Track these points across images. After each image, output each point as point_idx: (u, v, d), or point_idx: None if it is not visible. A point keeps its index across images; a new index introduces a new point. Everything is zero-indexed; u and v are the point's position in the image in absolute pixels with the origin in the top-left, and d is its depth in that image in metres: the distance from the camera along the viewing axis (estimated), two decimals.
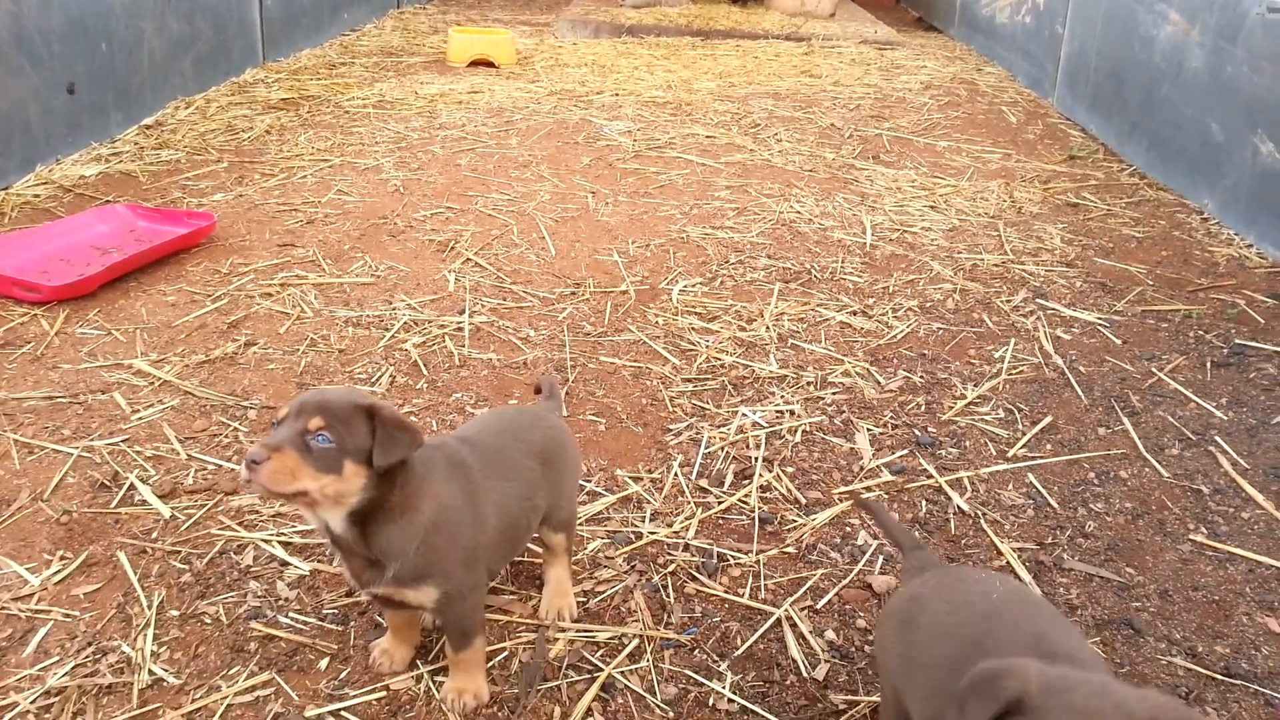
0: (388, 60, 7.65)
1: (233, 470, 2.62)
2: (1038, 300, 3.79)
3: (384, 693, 1.96)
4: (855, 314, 3.65)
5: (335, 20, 8.46)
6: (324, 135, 5.52)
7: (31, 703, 1.90)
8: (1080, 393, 3.14)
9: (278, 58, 7.25)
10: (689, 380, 3.15)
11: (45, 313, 3.40)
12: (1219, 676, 2.05)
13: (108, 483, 2.54)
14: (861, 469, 2.72)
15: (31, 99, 4.68)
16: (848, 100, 6.89)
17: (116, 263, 3.63)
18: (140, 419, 2.82)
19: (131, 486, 2.53)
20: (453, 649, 1.90)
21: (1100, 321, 3.63)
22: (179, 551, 2.32)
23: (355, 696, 1.94)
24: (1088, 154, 5.78)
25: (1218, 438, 2.89)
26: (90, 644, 2.05)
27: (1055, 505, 2.58)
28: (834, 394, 3.11)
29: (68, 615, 2.12)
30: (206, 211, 4.15)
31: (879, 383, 3.18)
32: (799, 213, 4.64)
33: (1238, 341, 3.49)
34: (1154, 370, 3.28)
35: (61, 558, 2.28)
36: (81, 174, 4.77)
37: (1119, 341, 3.49)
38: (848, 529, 2.48)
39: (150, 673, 1.98)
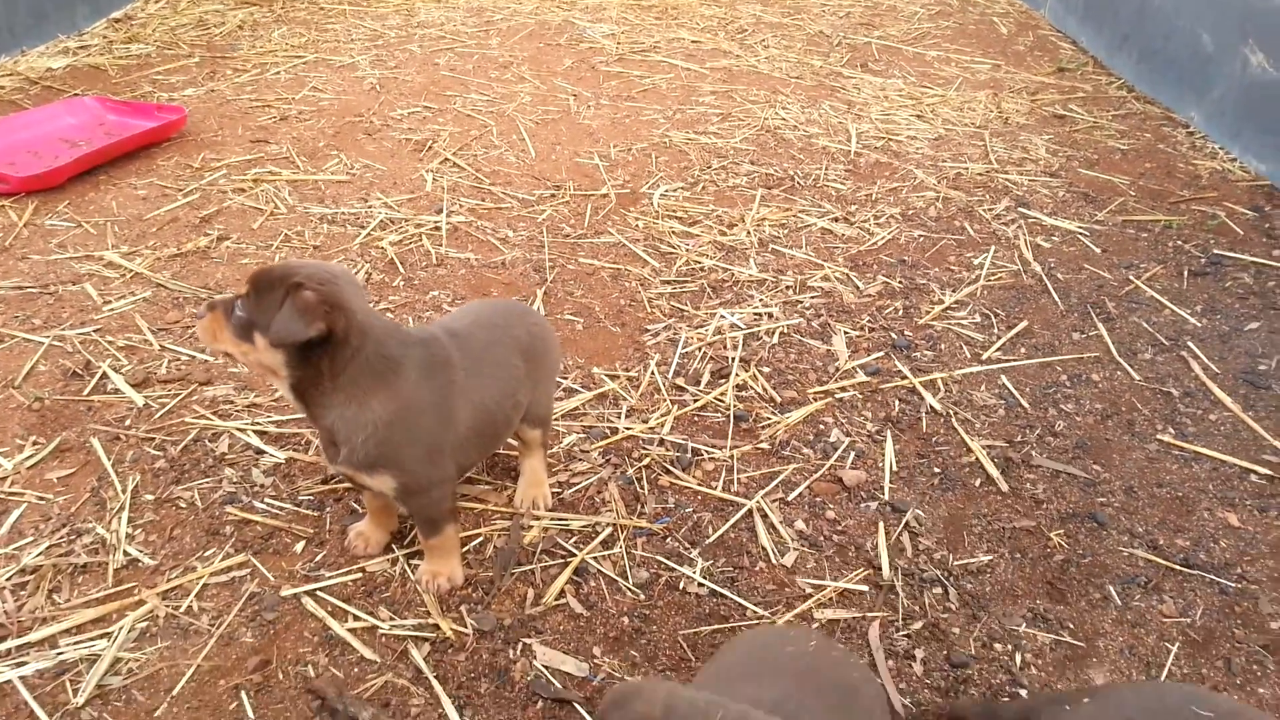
0: None
1: (206, 360, 2.60)
2: (1020, 209, 3.77)
3: (359, 574, 1.98)
4: (837, 220, 3.63)
5: None
6: (298, 31, 5.37)
7: (7, 579, 1.92)
8: (1057, 299, 3.15)
9: None
10: (668, 282, 3.13)
11: (13, 204, 3.34)
12: (1177, 567, 2.10)
13: (80, 371, 2.52)
14: (837, 370, 2.73)
15: None
16: (837, 7, 6.74)
17: (85, 154, 3.54)
18: (112, 310, 2.79)
19: (104, 375, 2.51)
20: (423, 536, 1.92)
21: (1080, 230, 3.62)
22: (153, 439, 2.31)
23: (331, 578, 1.96)
24: (1077, 66, 5.70)
25: (1190, 343, 2.91)
26: (64, 525, 2.05)
27: (1026, 406, 2.61)
28: (813, 298, 3.10)
29: (41, 498, 2.12)
30: (177, 105, 4.04)
31: (858, 288, 3.18)
32: (784, 119, 4.57)
33: (1216, 251, 3.50)
34: (1131, 278, 3.29)
35: (34, 443, 2.28)
36: (48, 66, 4.63)
37: (1098, 250, 3.49)
38: (821, 426, 2.50)
39: (125, 553, 2.00)
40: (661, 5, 6.46)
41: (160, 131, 3.86)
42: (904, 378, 2.71)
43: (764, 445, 2.42)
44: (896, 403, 2.60)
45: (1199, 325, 3.02)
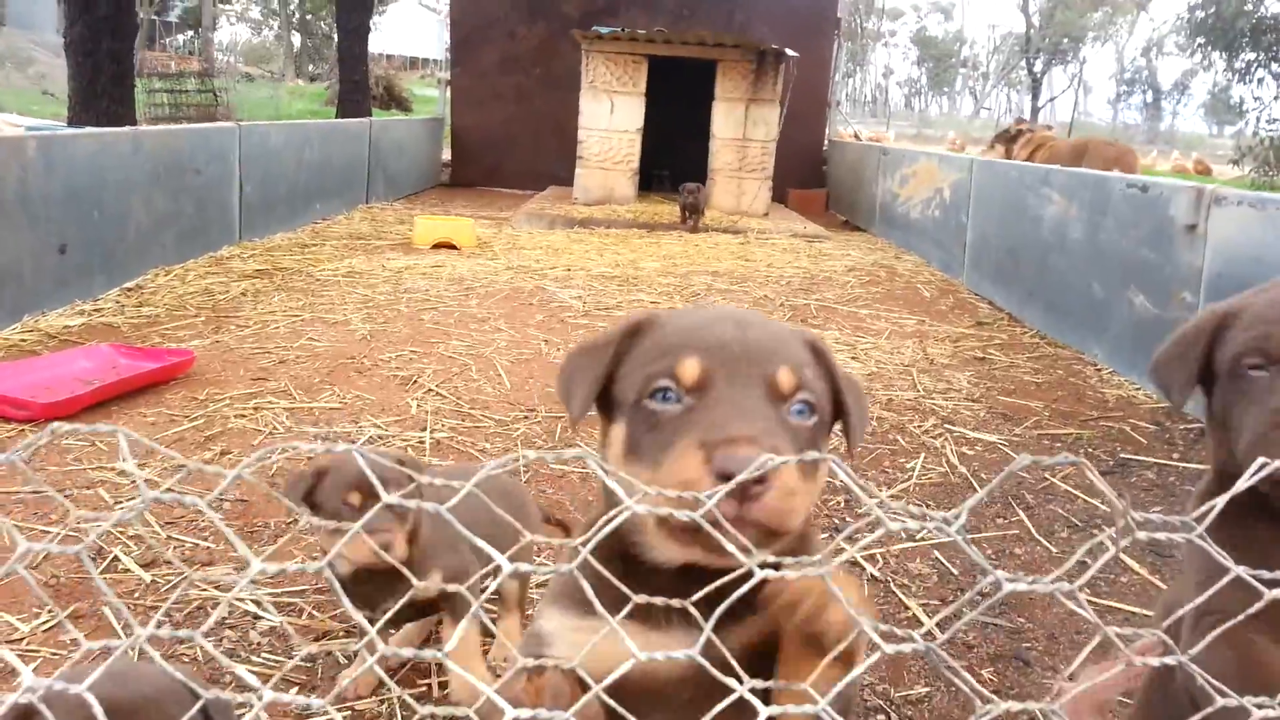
0: (356, 243, 8.23)
1: (209, 546, 2.84)
2: (945, 425, 4.21)
3: (349, 711, 2.15)
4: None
5: (308, 209, 9.11)
6: (296, 297, 5.96)
7: None
8: (980, 491, 3.50)
9: (253, 238, 7.79)
10: None
11: (33, 428, 3.65)
12: None
13: (93, 555, 2.74)
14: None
15: (27, 255, 5.07)
16: (779, 278, 7.55)
17: (99, 388, 3.91)
18: (122, 508, 3.04)
19: (115, 558, 2.73)
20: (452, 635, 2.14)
21: (1000, 441, 4.04)
22: (158, 607, 2.51)
23: (323, 715, 2.13)
24: (993, 320, 6.40)
25: (1101, 524, 3.25)
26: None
27: (956, 573, 2.89)
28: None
29: (54, 654, 2.29)
30: (185, 349, 4.48)
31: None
32: None
33: (1122, 455, 3.91)
34: (1047, 477, 3.67)
35: (49, 611, 2.47)
36: (66, 324, 5.10)
37: (1016, 456, 3.88)
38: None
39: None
40: (623, 275, 7.22)
41: (169, 371, 4.26)
42: (847, 553, 2.99)
43: None
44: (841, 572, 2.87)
45: (1108, 510, 3.37)
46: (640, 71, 10.72)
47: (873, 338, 5.80)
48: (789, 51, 10.70)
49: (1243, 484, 0.87)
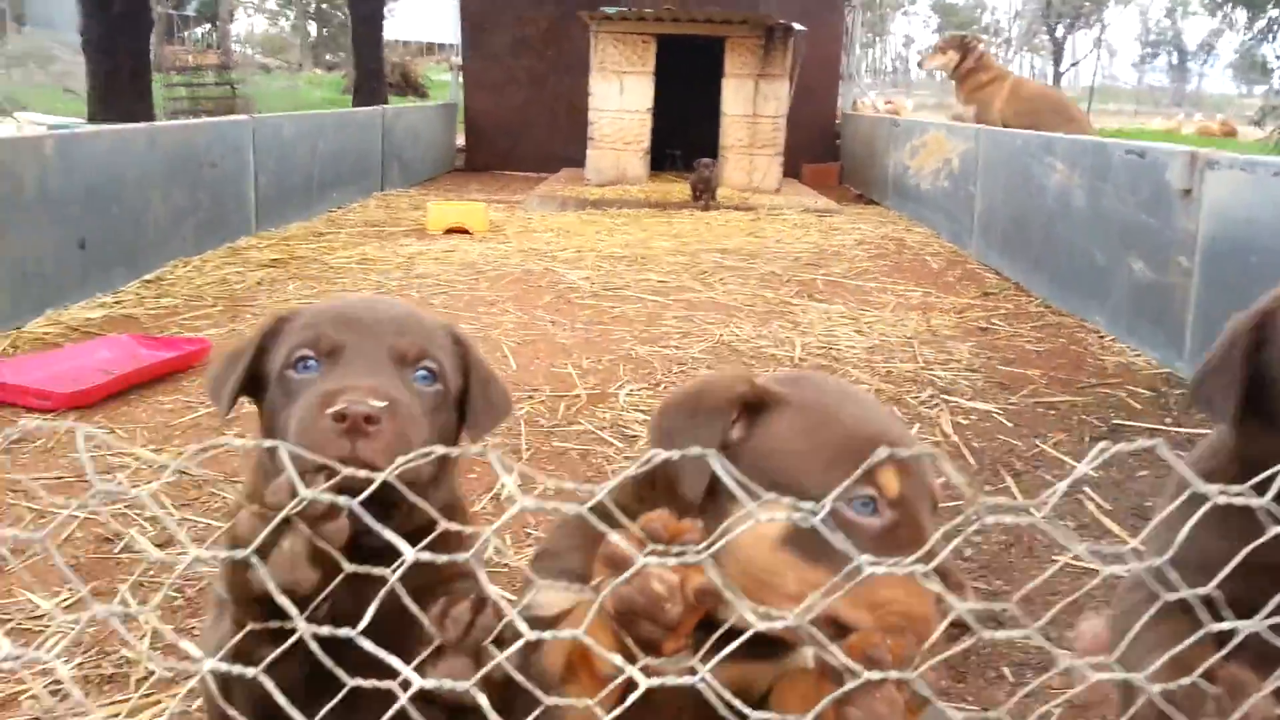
0: (370, 229, 8.36)
1: (219, 526, 2.98)
2: (942, 396, 4.27)
3: None
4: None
5: (324, 198, 9.25)
6: (310, 285, 6.09)
7: (44, 688, 2.21)
8: (971, 460, 3.58)
9: (269, 228, 7.93)
10: (629, 458, 3.56)
11: (55, 417, 3.81)
12: (1066, 652, 2.40)
13: (110, 537, 2.89)
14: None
15: (49, 251, 5.23)
16: (788, 253, 7.60)
17: (120, 375, 4.06)
18: (139, 492, 3.18)
19: (131, 539, 2.88)
20: None
21: (995, 410, 4.10)
22: (175, 584, 2.65)
23: None
24: (1000, 290, 6.43)
25: (1087, 488, 3.31)
26: (94, 648, 2.36)
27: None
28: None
29: (68, 623, 2.44)
30: (202, 339, 4.62)
31: None
32: (737, 335, 5.18)
33: (1115, 421, 3.96)
34: (1038, 444, 3.73)
35: (70, 588, 2.61)
36: (87, 316, 5.26)
37: (1010, 424, 3.95)
38: None
39: (145, 668, 2.29)
40: (632, 255, 7.30)
41: (186, 359, 4.40)
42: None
43: None
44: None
45: (1096, 475, 3.43)
46: (649, 51, 10.75)
47: (877, 310, 5.86)
48: (797, 26, 10.68)
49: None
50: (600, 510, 0.88)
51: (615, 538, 0.86)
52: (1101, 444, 0.94)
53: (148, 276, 6.14)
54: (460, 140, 14.98)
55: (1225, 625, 0.87)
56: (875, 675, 0.84)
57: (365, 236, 7.97)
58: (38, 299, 5.14)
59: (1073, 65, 71.34)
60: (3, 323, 4.84)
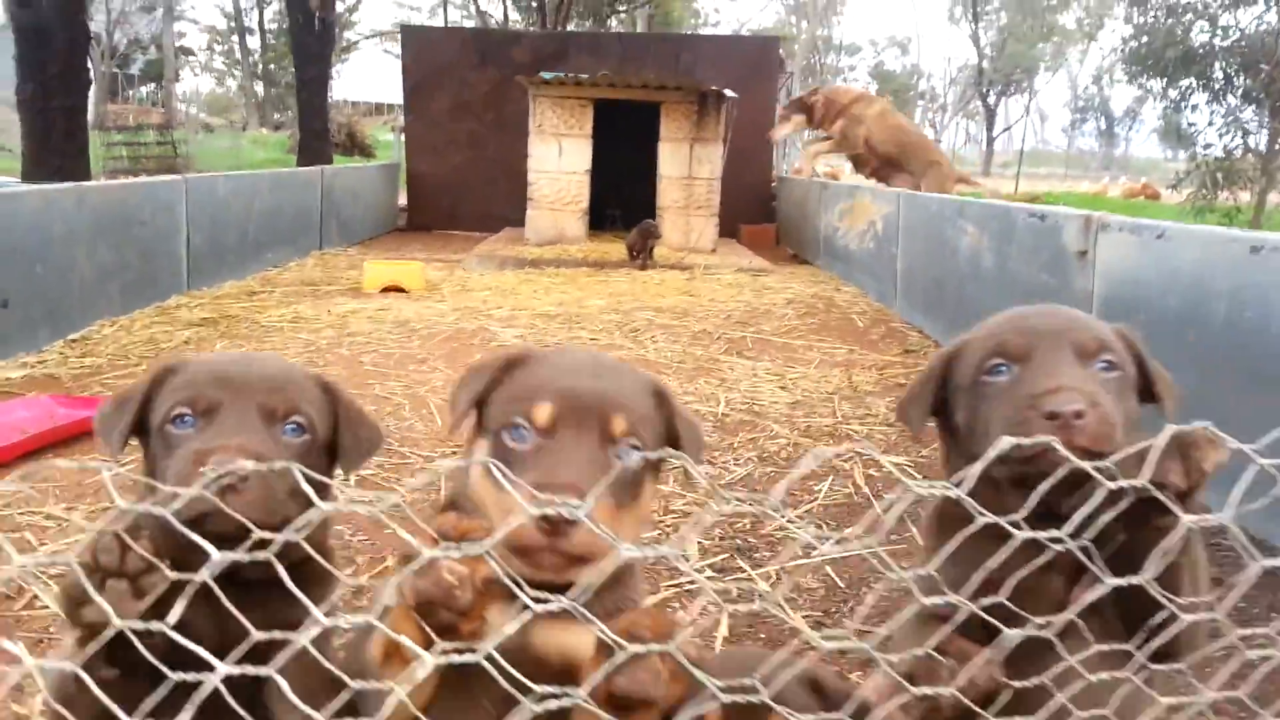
0: (306, 288, 8.38)
1: None
2: (856, 450, 4.39)
3: None
4: (700, 463, 4.19)
5: (259, 257, 9.25)
6: (239, 343, 6.08)
7: None
8: (879, 510, 3.69)
9: (202, 287, 7.91)
10: None
11: None
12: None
13: (12, 595, 2.86)
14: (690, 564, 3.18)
15: None
16: (720, 311, 7.77)
17: (37, 434, 4.03)
18: (47, 550, 3.16)
19: (35, 595, 2.85)
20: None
21: (906, 463, 4.23)
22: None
23: None
24: (921, 348, 6.64)
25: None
26: None
27: (843, 585, 3.06)
28: (674, 518, 3.59)
29: None
30: None
31: (714, 509, 3.68)
32: None
33: None
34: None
35: None
36: (7, 376, 5.20)
37: (919, 476, 4.08)
38: (669, 610, 2.91)
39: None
40: (566, 314, 7.40)
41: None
42: (744, 572, 3.16)
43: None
44: (734, 589, 3.04)
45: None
46: (586, 114, 11.00)
47: (803, 367, 6.01)
48: (728, 93, 11.02)
49: (989, 457, 1.05)
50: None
51: (407, 536, 0.95)
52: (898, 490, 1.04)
53: (72, 336, 6.08)
54: (403, 200, 15.09)
55: (941, 599, 0.99)
56: (639, 648, 0.92)
57: (300, 295, 7.98)
58: None
59: (1005, 130, 73.89)
60: None
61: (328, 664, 0.97)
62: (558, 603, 0.92)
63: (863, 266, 9.00)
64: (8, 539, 3.13)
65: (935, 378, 1.64)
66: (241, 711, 0.93)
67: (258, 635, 0.89)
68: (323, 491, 0.98)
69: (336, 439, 1.49)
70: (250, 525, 0.97)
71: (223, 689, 0.86)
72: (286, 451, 1.36)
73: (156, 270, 7.24)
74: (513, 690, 0.89)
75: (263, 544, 1.09)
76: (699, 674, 0.94)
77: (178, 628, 1.01)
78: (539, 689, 0.88)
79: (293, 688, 0.85)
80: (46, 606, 2.79)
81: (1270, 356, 3.09)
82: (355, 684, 0.91)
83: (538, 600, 0.90)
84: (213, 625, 1.11)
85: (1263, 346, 3.11)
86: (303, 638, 1.00)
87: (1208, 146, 17.38)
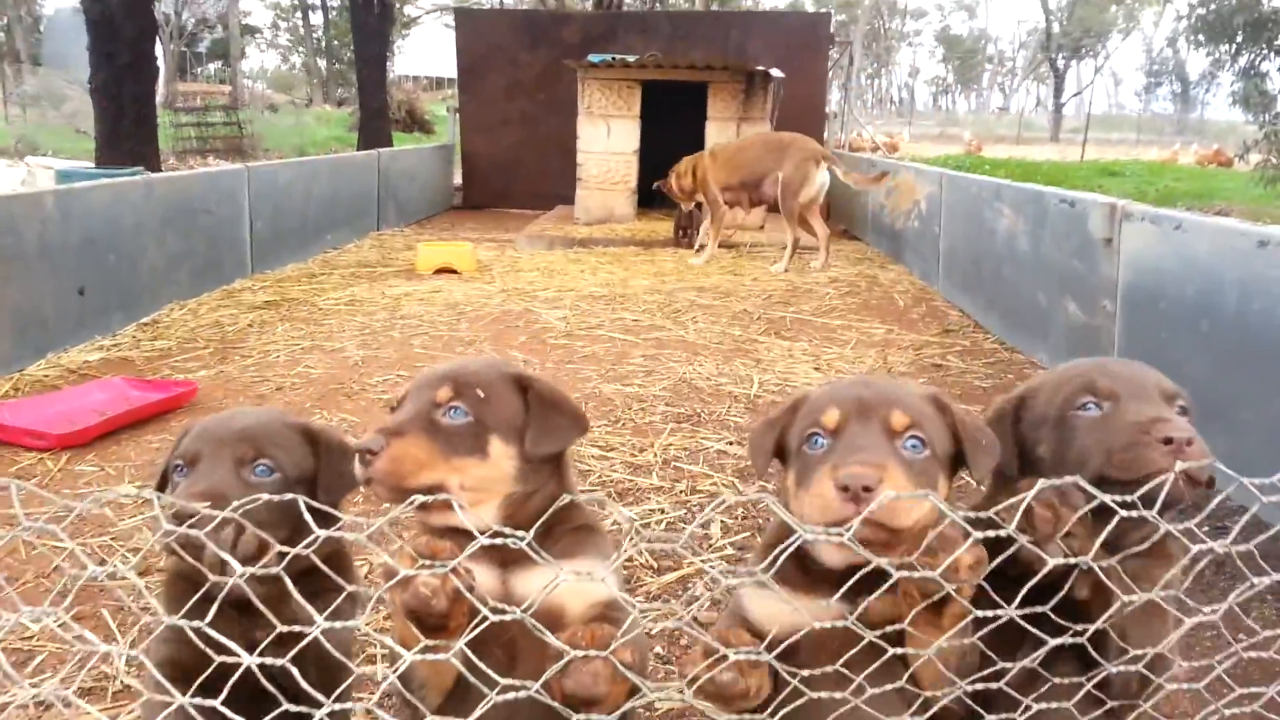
0: (363, 270, 8.70)
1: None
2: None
3: None
4: (732, 444, 4.38)
5: (319, 240, 9.60)
6: (299, 327, 6.41)
7: (30, 698, 2.48)
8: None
9: (265, 270, 8.27)
10: (583, 491, 3.83)
11: (50, 457, 4.10)
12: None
13: (95, 565, 3.16)
14: (709, 545, 3.38)
15: (49, 299, 5.56)
16: (762, 291, 7.90)
17: (112, 417, 4.36)
18: (125, 525, 3.47)
19: (115, 567, 3.15)
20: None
21: None
22: (149, 608, 2.92)
23: None
24: (960, 329, 6.71)
25: None
26: (75, 662, 2.64)
27: None
28: (700, 499, 3.79)
29: (59, 647, 2.72)
30: (190, 380, 4.92)
31: (740, 490, 3.87)
32: (699, 373, 5.46)
33: None
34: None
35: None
36: (85, 359, 5.57)
37: None
38: (689, 586, 3.12)
39: (122, 682, 2.57)
40: (610, 294, 7.61)
41: (175, 401, 4.70)
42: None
43: (639, 600, 3.02)
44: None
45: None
46: (634, 96, 11.12)
47: (839, 348, 6.14)
48: (775, 72, 11.04)
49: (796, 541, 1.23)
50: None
51: (386, 558, 1.15)
52: None
53: (144, 320, 6.46)
54: (458, 179, 15.39)
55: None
56: (579, 654, 1.12)
57: (356, 278, 8.29)
58: (38, 344, 5.46)
59: (1075, 94, 71.90)
60: (5, 367, 5.15)
61: (336, 652, 1.19)
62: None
63: (907, 244, 9.04)
64: (89, 516, 3.44)
65: (1010, 421, 1.76)
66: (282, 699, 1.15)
67: (281, 627, 1.11)
68: (321, 515, 1.20)
69: (318, 476, 1.75)
70: (224, 555, 1.21)
71: (260, 676, 1.07)
72: (259, 488, 1.62)
73: (221, 255, 7.61)
74: (494, 675, 1.08)
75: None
76: (633, 677, 1.13)
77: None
78: (504, 681, 1.07)
79: (308, 676, 1.07)
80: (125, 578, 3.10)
81: (1271, 346, 3.16)
82: (356, 668, 1.13)
83: (496, 611, 1.09)
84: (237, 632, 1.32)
85: (1269, 338, 3.18)
86: (314, 630, 1.22)
87: (1278, 115, 16.87)
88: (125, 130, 11.92)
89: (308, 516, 1.16)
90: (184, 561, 1.52)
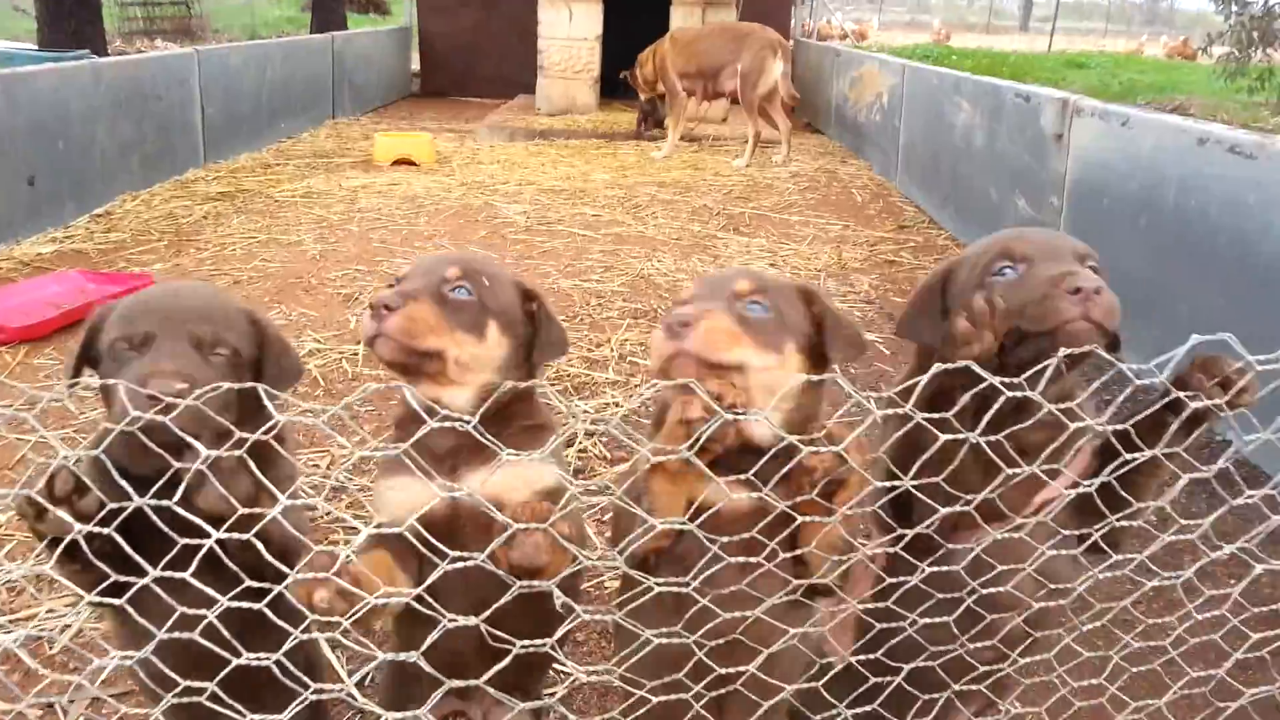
0: (319, 161, 8.56)
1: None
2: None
3: None
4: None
5: (273, 128, 9.39)
6: (255, 219, 6.35)
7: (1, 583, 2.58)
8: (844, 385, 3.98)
9: (218, 160, 8.12)
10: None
11: (9, 350, 4.12)
12: None
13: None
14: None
15: None
16: (723, 186, 7.91)
17: (68, 310, 4.36)
18: (86, 418, 3.53)
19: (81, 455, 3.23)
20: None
21: (878, 339, 4.50)
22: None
23: None
24: (915, 224, 6.79)
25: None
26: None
27: None
28: (655, 391, 3.90)
29: (28, 536, 2.81)
30: (146, 273, 4.91)
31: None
32: (657, 269, 5.52)
33: None
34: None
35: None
36: (39, 251, 5.52)
37: (888, 352, 4.36)
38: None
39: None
40: (571, 189, 7.58)
41: (131, 294, 4.69)
42: None
43: (592, 488, 3.15)
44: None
45: None
46: None
47: (795, 244, 6.21)
48: None
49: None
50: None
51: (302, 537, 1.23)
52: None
53: (97, 211, 6.37)
54: (416, 64, 14.98)
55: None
56: (521, 526, 1.22)
57: (313, 169, 8.17)
58: None
59: None
60: None
61: (289, 526, 1.25)
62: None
63: (868, 138, 9.03)
64: (50, 409, 3.49)
65: (937, 291, 1.79)
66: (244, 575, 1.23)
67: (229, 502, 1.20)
68: (260, 402, 1.25)
69: (262, 365, 1.66)
70: (185, 437, 1.20)
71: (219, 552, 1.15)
72: (216, 374, 1.53)
73: (174, 143, 7.45)
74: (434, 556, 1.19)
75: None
76: (572, 547, 1.23)
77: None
78: (454, 553, 1.17)
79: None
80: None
81: (1206, 241, 3.28)
82: (316, 546, 1.22)
83: (444, 489, 1.19)
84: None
85: (1202, 232, 3.30)
86: (276, 511, 1.31)
87: (1246, 4, 16.71)
88: (68, 8, 11.44)
89: (269, 405, 1.22)
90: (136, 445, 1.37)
